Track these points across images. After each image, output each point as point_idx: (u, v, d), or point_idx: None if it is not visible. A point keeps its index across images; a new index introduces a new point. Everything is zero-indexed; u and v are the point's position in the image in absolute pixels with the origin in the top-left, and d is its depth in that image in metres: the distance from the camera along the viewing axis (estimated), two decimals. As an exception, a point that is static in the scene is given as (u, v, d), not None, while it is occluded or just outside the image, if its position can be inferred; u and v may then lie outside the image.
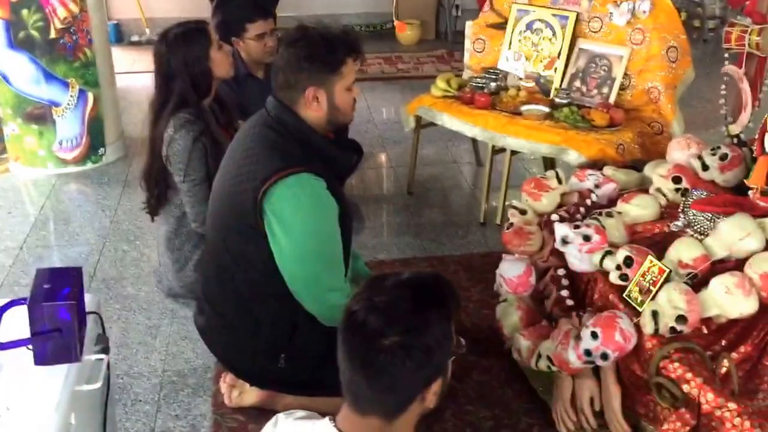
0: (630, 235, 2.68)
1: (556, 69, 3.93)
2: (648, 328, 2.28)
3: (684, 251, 2.41)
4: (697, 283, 2.36)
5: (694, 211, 2.64)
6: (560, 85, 3.91)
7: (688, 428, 2.18)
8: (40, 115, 4.40)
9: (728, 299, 2.26)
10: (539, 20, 3.99)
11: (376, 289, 1.49)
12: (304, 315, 2.34)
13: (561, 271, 2.71)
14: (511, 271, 2.73)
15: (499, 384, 2.82)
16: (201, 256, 3.08)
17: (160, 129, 2.93)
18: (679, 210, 2.72)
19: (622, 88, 3.76)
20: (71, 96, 4.36)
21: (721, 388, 2.16)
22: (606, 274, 2.51)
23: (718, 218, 2.55)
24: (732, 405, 2.10)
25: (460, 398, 2.71)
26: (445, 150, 4.94)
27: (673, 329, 2.25)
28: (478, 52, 4.27)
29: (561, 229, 2.60)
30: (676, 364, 2.22)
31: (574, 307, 2.63)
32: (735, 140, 3.02)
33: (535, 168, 4.56)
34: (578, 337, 2.37)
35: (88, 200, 4.23)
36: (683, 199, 2.75)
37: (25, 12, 4.16)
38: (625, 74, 3.74)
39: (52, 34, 4.22)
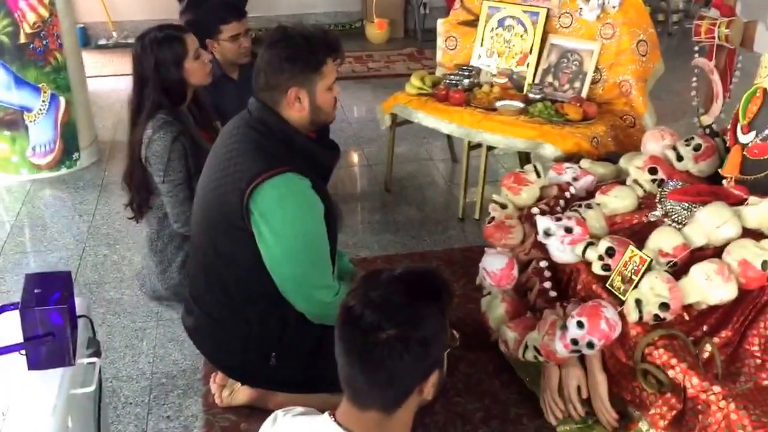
0: (609, 226, 2.73)
1: (528, 65, 3.98)
2: (632, 316, 2.33)
3: (664, 240, 2.46)
4: (677, 271, 2.41)
5: (671, 201, 2.70)
6: (533, 81, 3.96)
7: (674, 412, 2.24)
8: (11, 121, 4.35)
9: (709, 286, 2.31)
10: (510, 17, 4.04)
11: (371, 284, 1.51)
12: (293, 313, 2.36)
13: (543, 263, 2.75)
14: (494, 265, 2.76)
15: (487, 376, 2.86)
16: (186, 257, 3.09)
17: (138, 133, 2.93)
18: (656, 200, 2.78)
19: (594, 82, 3.82)
20: (43, 101, 4.32)
21: (706, 373, 2.22)
22: (588, 264, 2.56)
23: (695, 207, 2.62)
24: (717, 388, 2.15)
25: (449, 391, 2.74)
26: (420, 147, 4.97)
27: (656, 316, 2.30)
28: (450, 49, 4.31)
29: (543, 222, 2.64)
30: (661, 351, 2.27)
31: (557, 298, 2.67)
32: (707, 131, 3.08)
33: (509, 163, 4.61)
34: (564, 327, 2.41)
35: (65, 205, 4.20)
36: (659, 189, 2.81)
37: (-7, 18, 4.11)
38: (597, 68, 3.80)
39: (22, 39, 4.18)
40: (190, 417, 2.66)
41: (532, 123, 3.65)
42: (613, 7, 3.73)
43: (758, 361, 2.31)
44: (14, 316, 1.82)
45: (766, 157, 2.45)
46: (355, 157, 4.94)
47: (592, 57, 3.79)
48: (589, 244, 2.54)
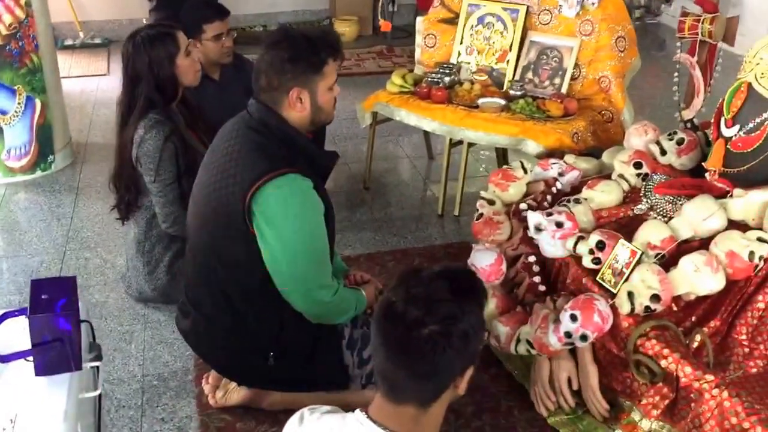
0: (596, 220, 2.78)
1: (508, 62, 4.02)
2: (624, 308, 2.38)
3: (652, 233, 2.52)
4: (665, 263, 2.47)
5: (656, 195, 2.76)
6: (513, 78, 3.99)
7: (666, 401, 2.30)
8: (-14, 125, 4.28)
9: (698, 277, 2.37)
10: (490, 14, 4.07)
11: (413, 281, 1.55)
12: (290, 313, 2.36)
13: (532, 258, 2.80)
14: (483, 261, 2.79)
15: (476, 371, 2.87)
16: (174, 258, 3.07)
17: (128, 133, 2.91)
18: (641, 194, 2.84)
19: (573, 78, 3.87)
20: (19, 103, 4.25)
21: (698, 362, 2.28)
22: (578, 258, 2.61)
23: (679, 200, 2.68)
24: (709, 377, 2.21)
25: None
26: (396, 145, 4.99)
27: (647, 308, 2.36)
28: (429, 47, 4.33)
29: (534, 217, 2.68)
30: (653, 341, 2.32)
31: (547, 292, 2.72)
32: (688, 125, 3.14)
33: (487, 160, 4.65)
34: (557, 321, 2.45)
35: (42, 209, 4.14)
36: (644, 183, 2.87)
37: (-32, 20, 4.04)
38: (576, 65, 3.85)
39: (-2, 41, 4.12)
40: (185, 418, 2.65)
41: (514, 120, 3.69)
42: (593, 4, 3.78)
43: (746, 349, 2.38)
44: (14, 323, 1.83)
45: (749, 150, 2.51)
46: (333, 156, 4.92)
47: (572, 53, 3.84)
48: (580, 238, 2.59)
